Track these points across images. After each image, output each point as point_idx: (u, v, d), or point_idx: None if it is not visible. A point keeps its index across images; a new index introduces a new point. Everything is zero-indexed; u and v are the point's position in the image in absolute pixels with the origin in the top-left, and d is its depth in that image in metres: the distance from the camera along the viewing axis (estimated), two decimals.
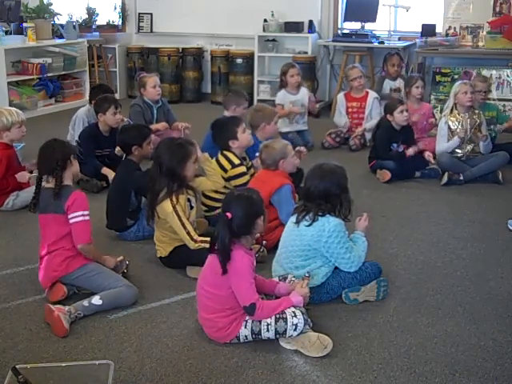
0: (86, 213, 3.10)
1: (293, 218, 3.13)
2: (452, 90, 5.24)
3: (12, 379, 2.23)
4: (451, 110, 5.19)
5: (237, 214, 2.68)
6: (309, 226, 3.02)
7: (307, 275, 2.91)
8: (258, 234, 3.05)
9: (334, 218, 3.03)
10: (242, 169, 4.04)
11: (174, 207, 3.33)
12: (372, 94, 6.25)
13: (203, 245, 3.25)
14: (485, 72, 6.81)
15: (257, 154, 4.06)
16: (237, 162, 4.03)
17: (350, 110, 6.25)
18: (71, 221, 3.07)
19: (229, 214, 2.67)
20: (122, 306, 3.05)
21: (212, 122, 4.27)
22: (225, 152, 4.06)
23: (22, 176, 4.46)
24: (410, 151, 5.13)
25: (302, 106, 6.20)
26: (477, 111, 5.21)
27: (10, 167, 4.44)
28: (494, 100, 6.62)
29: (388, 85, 6.64)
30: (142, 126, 4.39)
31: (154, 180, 3.42)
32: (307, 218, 3.04)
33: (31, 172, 4.57)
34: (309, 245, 3.03)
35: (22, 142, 5.59)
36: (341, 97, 6.34)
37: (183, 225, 3.34)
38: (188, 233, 3.34)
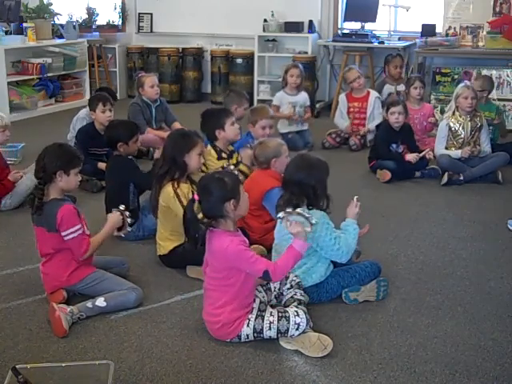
0: (75, 228, 2.98)
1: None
2: (454, 92, 5.21)
3: (12, 379, 2.23)
4: (453, 112, 5.17)
5: (204, 196, 2.68)
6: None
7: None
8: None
9: (316, 210, 2.98)
10: (220, 163, 4.09)
11: (175, 191, 3.38)
12: (373, 94, 6.23)
13: None
14: (485, 72, 6.80)
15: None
16: (214, 156, 4.11)
17: (351, 109, 6.23)
18: (65, 238, 2.98)
19: (196, 196, 2.69)
20: (126, 309, 3.02)
21: (203, 111, 4.30)
22: (208, 146, 4.14)
23: (14, 176, 4.46)
24: (410, 158, 5.08)
25: (302, 108, 6.20)
26: (479, 113, 5.18)
27: None
28: (493, 100, 6.63)
29: (388, 90, 6.64)
30: (130, 123, 4.38)
31: (158, 167, 3.49)
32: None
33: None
34: None
35: (23, 142, 5.61)
36: (342, 97, 6.33)
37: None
38: None
